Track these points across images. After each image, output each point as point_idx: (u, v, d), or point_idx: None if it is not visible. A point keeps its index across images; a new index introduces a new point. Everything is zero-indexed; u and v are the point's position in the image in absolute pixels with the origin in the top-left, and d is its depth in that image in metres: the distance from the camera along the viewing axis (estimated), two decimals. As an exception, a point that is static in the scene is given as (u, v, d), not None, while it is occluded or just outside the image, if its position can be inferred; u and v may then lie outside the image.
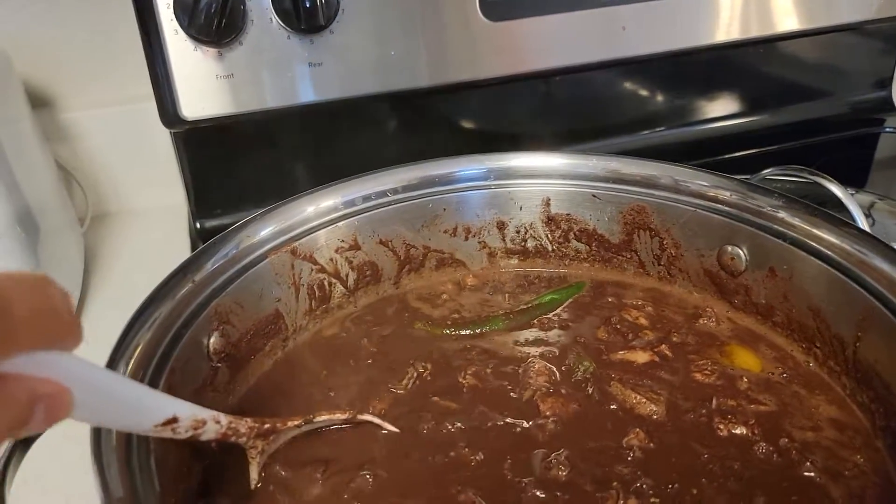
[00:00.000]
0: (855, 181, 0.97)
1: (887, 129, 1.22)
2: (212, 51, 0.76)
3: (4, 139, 0.81)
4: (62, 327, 0.30)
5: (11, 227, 0.75)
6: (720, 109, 1.17)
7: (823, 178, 0.84)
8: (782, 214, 0.60)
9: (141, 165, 1.08)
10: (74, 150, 1.05)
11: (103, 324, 0.45)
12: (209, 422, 0.46)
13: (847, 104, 1.23)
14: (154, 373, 0.47)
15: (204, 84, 0.80)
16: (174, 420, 0.43)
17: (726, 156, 1.15)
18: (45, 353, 0.31)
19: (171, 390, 0.49)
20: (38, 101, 1.01)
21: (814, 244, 0.58)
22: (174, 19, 0.74)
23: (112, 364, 0.45)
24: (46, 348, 0.30)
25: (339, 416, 0.55)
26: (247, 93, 0.83)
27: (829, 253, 0.57)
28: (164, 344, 0.49)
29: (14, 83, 0.90)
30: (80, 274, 0.92)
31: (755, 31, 0.98)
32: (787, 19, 0.99)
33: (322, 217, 0.65)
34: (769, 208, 0.61)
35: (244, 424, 0.49)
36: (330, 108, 0.86)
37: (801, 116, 1.20)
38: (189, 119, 0.82)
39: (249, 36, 0.77)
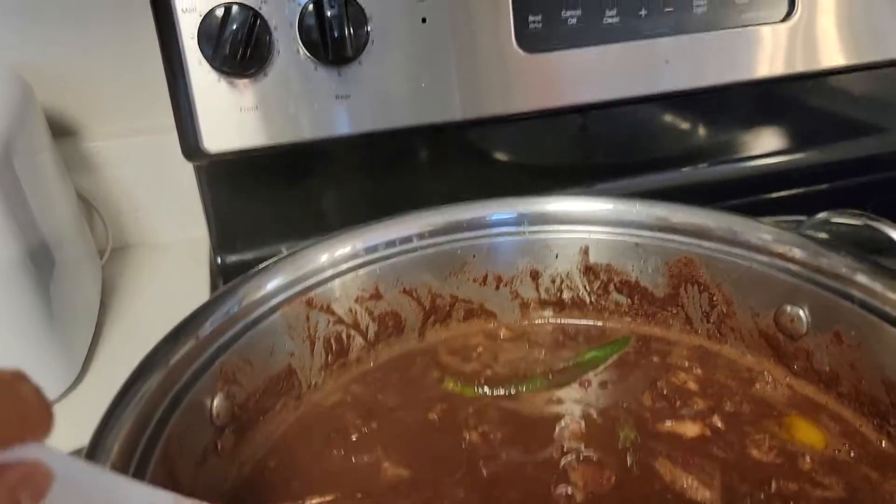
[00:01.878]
0: (910, 223, 0.91)
1: (943, 169, 1.15)
2: (237, 82, 0.74)
3: (22, 170, 0.78)
4: (33, 426, 0.30)
5: (22, 263, 0.72)
6: (765, 146, 1.12)
7: (882, 222, 0.77)
8: (859, 277, 0.54)
9: (163, 197, 1.06)
10: (96, 180, 1.03)
11: (117, 360, 0.41)
12: None
13: (900, 141, 1.16)
14: (147, 445, 0.42)
15: (227, 116, 0.78)
16: None
17: (773, 195, 1.10)
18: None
19: (169, 461, 0.44)
20: (61, 131, 1.00)
21: (889, 309, 0.51)
22: (198, 49, 0.71)
23: (95, 444, 0.41)
24: (15, 445, 0.29)
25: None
26: (271, 125, 0.80)
27: (910, 322, 0.50)
28: (161, 411, 0.45)
29: (35, 113, 0.88)
30: (97, 308, 0.90)
31: (800, 66, 0.92)
32: (834, 54, 0.94)
33: (341, 265, 0.60)
34: (844, 269, 0.54)
35: None
36: (357, 142, 0.83)
37: (852, 154, 1.14)
38: (211, 152, 0.79)
39: (275, 67, 0.74)
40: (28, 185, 0.79)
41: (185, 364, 0.48)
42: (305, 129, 0.81)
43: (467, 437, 0.56)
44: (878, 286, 0.52)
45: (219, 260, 0.93)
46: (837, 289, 0.55)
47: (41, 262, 0.78)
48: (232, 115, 0.78)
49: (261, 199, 0.92)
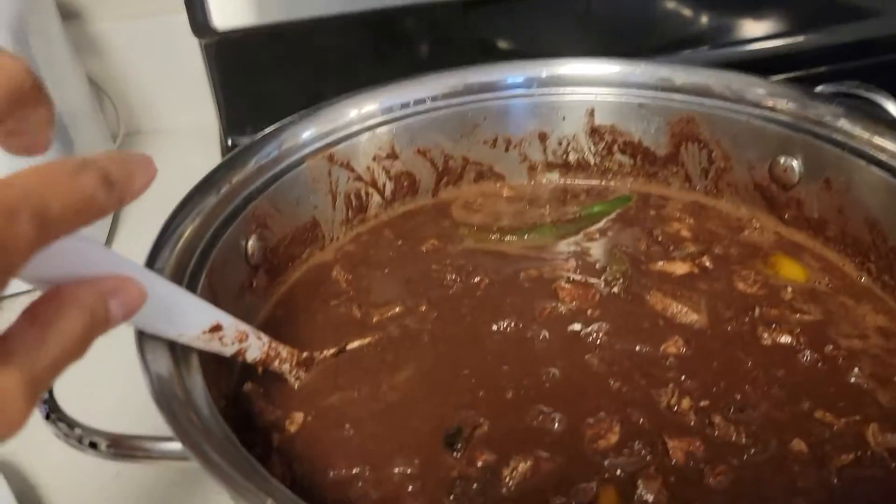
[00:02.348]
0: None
1: (946, 51, 1.16)
2: (245, -44, 0.74)
3: (35, 50, 0.80)
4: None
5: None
6: (767, 28, 1.11)
7: (879, 93, 0.80)
8: (843, 123, 0.57)
9: (173, 82, 1.07)
10: (105, 64, 1.04)
11: (136, 245, 0.45)
12: (251, 336, 0.46)
13: (902, 23, 1.16)
14: (194, 270, 0.47)
15: (236, -8, 0.78)
16: (219, 328, 0.43)
17: (773, 77, 1.11)
18: (92, 251, 0.32)
19: (212, 289, 0.49)
20: (69, 13, 0.99)
21: (873, 152, 0.55)
22: (207, -81, 0.71)
23: (153, 255, 0.45)
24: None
25: (370, 339, 0.54)
26: (279, 2, 0.80)
27: (892, 162, 0.54)
28: (205, 241, 0.49)
29: (44, -8, 0.88)
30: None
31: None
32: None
33: (360, 123, 0.63)
34: (829, 117, 0.58)
35: (285, 348, 0.50)
36: (364, 20, 0.84)
37: (853, 36, 1.14)
38: (220, 29, 0.80)
39: (285, -61, 0.74)
40: (42, 64, 0.80)
41: (225, 202, 0.52)
42: (312, 6, 0.82)
43: (471, 268, 0.61)
44: (858, 130, 0.56)
45: (229, 142, 0.95)
46: (827, 136, 0.58)
47: (63, 140, 0.81)
48: (241, -8, 0.79)
49: (270, 81, 0.93)
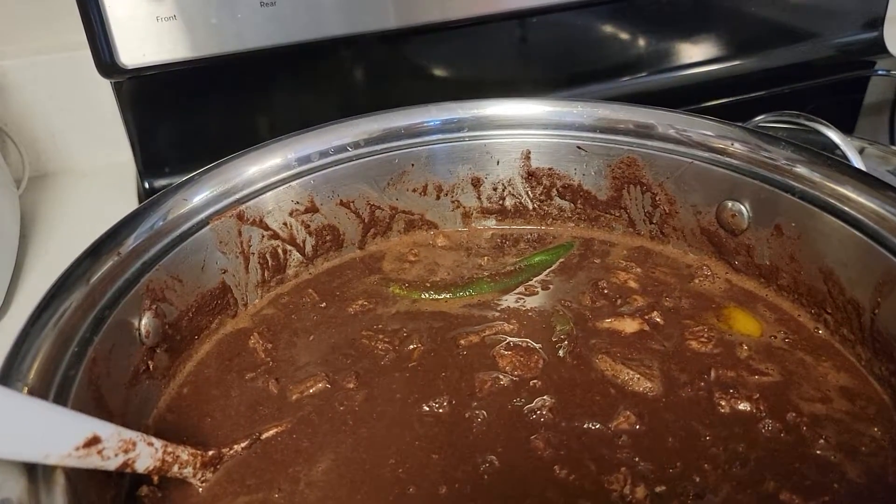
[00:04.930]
0: (843, 125, 0.92)
1: (879, 72, 1.17)
2: (150, -12, 0.68)
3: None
4: None
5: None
6: (704, 53, 1.11)
7: (820, 123, 0.78)
8: (798, 168, 0.53)
9: (82, 120, 0.99)
10: (5, 103, 0.95)
11: (41, 294, 0.38)
12: (139, 444, 0.39)
13: (835, 46, 1.17)
14: (69, 366, 0.40)
15: (143, 27, 0.72)
16: (96, 440, 0.36)
17: (711, 102, 1.10)
18: None
19: (94, 384, 0.42)
20: (-41, 50, 0.91)
21: (829, 199, 0.52)
22: (105, -49, 0.65)
23: (8, 364, 0.38)
24: None
25: (286, 426, 0.48)
26: (193, 37, 0.74)
27: (847, 209, 0.50)
28: (82, 331, 0.42)
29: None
30: (16, 240, 0.84)
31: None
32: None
33: (272, 176, 0.57)
34: (783, 161, 0.54)
35: (185, 450, 0.43)
36: (286, 54, 0.78)
37: (789, 60, 1.15)
38: (128, 67, 0.74)
39: (192, -29, 0.68)
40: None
41: (107, 282, 0.45)
42: (229, 41, 0.76)
43: (405, 333, 0.55)
44: (816, 176, 0.52)
45: (146, 185, 0.88)
46: (777, 181, 0.55)
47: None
48: (149, 26, 0.72)
49: (188, 119, 0.87)
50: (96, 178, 1.00)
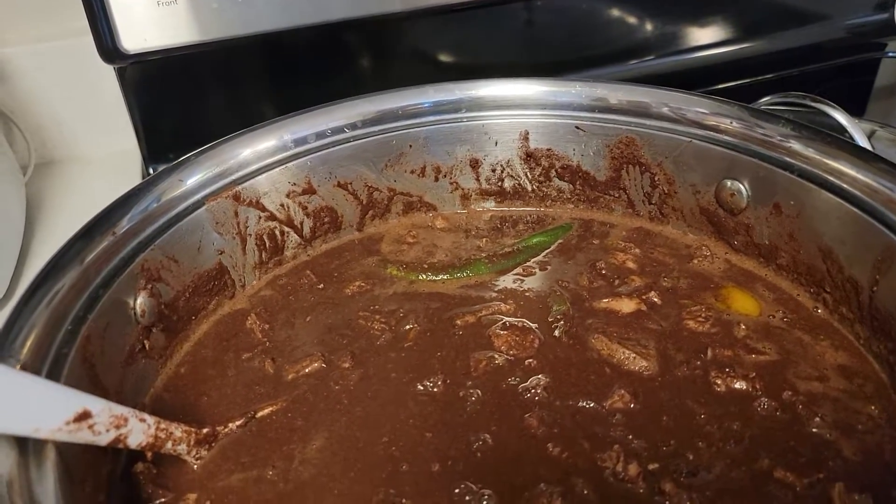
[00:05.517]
0: (853, 109, 0.91)
1: (889, 54, 1.15)
2: (150, -28, 0.67)
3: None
4: None
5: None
6: (712, 36, 1.09)
7: (827, 104, 0.77)
8: (793, 144, 0.52)
9: (89, 107, 1.00)
10: (11, 91, 0.96)
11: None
12: (131, 419, 0.39)
13: (845, 28, 1.15)
14: (62, 344, 0.40)
15: (145, 11, 0.72)
16: (87, 415, 0.36)
17: (719, 86, 1.09)
18: None
19: (88, 361, 0.42)
20: (-36, 38, 0.92)
21: (827, 176, 0.51)
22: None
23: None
24: None
25: (281, 404, 0.48)
26: (195, 21, 0.74)
27: (845, 186, 0.50)
28: (76, 310, 0.42)
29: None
30: (21, 227, 0.85)
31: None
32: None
33: (268, 157, 0.57)
34: (778, 137, 0.53)
35: (179, 427, 0.43)
36: (291, 37, 0.78)
37: (798, 42, 1.13)
38: (130, 52, 0.74)
39: (193, -47, 0.68)
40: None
41: (101, 261, 0.45)
42: (232, 25, 0.75)
43: (402, 314, 0.55)
44: (811, 152, 0.52)
45: (150, 171, 0.88)
46: (776, 159, 0.54)
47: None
48: (150, 11, 0.72)
49: (192, 104, 0.87)
50: (102, 164, 1.01)
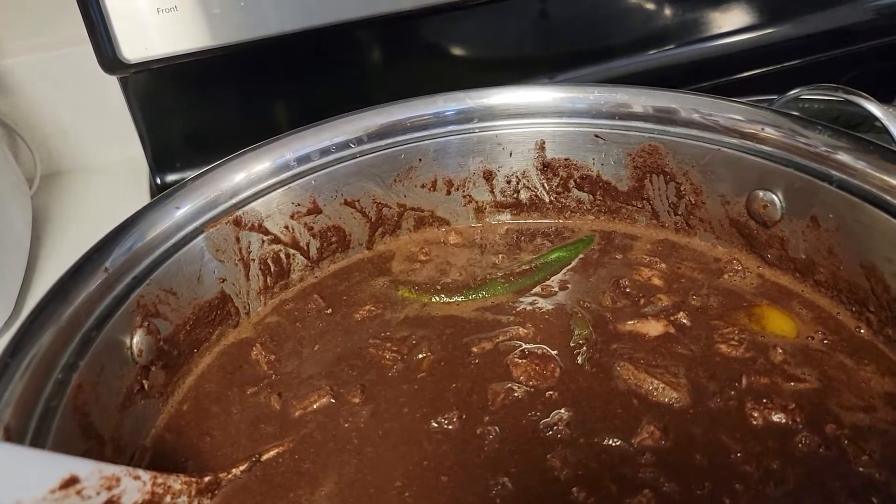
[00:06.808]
0: (883, 94, 0.86)
1: (921, 36, 1.10)
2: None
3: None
4: None
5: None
6: (733, 22, 1.05)
7: (860, 96, 0.73)
8: (841, 156, 0.48)
9: (94, 117, 0.97)
10: (16, 101, 0.94)
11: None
12: (124, 479, 0.37)
13: (875, 9, 1.10)
14: (51, 397, 0.38)
15: (144, 20, 0.70)
16: (74, 480, 0.34)
17: (743, 74, 1.05)
18: None
19: (81, 411, 0.40)
20: (-37, 50, 0.90)
21: (871, 188, 0.47)
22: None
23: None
24: None
25: (287, 445, 0.46)
26: (195, 28, 0.72)
27: (890, 199, 0.46)
28: (66, 357, 0.40)
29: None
30: (27, 244, 0.83)
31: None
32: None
33: (270, 178, 0.54)
34: (824, 148, 0.49)
35: (177, 480, 0.40)
36: (296, 41, 0.75)
37: (824, 26, 1.08)
38: (132, 62, 0.72)
39: (192, -42, 0.65)
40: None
41: (93, 301, 0.43)
42: (234, 30, 0.73)
43: (414, 341, 0.52)
44: (859, 164, 0.47)
45: (157, 180, 0.87)
46: (814, 169, 0.50)
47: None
48: (150, 19, 0.70)
49: (197, 112, 0.85)
50: (109, 174, 0.99)
